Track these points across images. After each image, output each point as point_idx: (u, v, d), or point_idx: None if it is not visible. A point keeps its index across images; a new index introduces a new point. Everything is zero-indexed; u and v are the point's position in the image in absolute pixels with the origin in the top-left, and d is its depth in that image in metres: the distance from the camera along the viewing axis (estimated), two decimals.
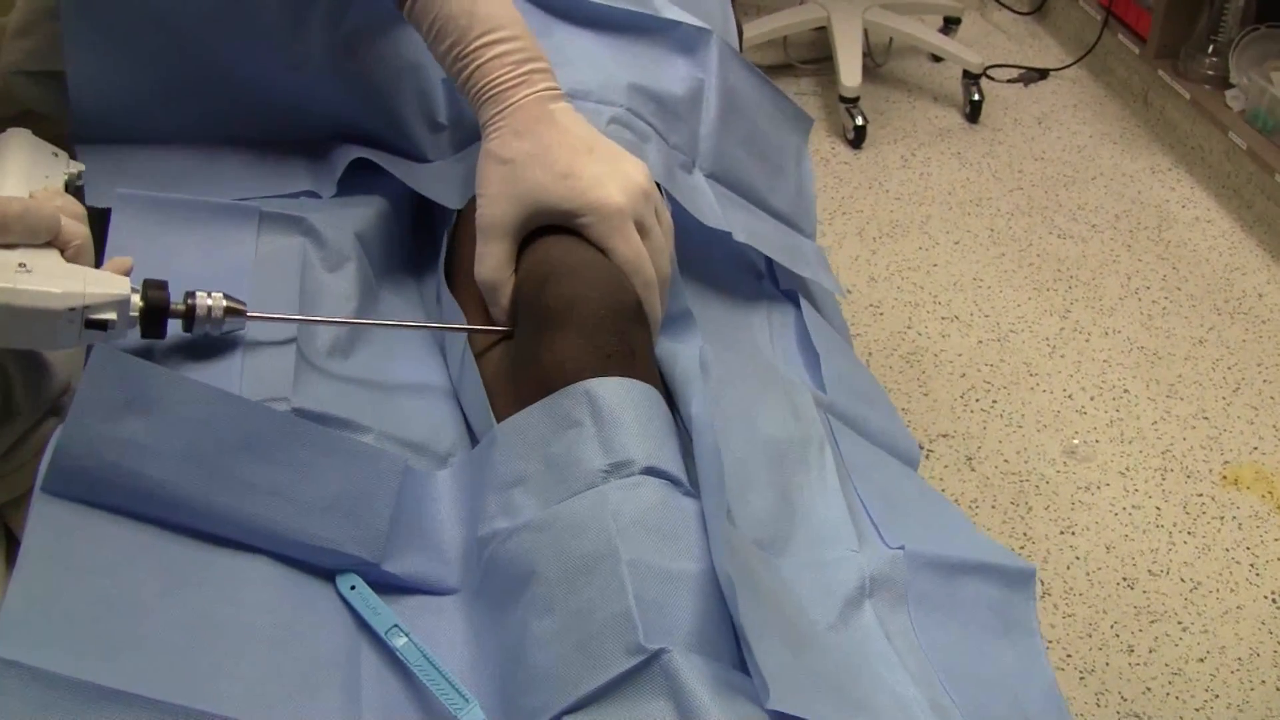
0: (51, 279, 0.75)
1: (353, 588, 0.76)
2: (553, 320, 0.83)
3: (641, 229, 0.89)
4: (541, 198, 0.88)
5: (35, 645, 0.62)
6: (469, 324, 0.92)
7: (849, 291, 2.40)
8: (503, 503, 0.78)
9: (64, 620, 0.65)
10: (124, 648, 0.65)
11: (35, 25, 1.00)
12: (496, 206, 0.89)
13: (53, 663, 0.62)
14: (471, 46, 0.90)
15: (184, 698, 0.64)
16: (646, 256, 0.88)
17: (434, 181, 1.02)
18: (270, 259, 0.91)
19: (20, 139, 0.91)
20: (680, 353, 0.90)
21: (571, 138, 0.89)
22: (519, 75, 0.90)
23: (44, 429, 0.97)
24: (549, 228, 0.90)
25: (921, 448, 2.08)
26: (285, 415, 0.78)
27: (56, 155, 0.93)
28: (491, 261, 0.89)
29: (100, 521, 0.71)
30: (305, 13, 0.98)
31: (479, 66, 0.90)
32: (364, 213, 0.99)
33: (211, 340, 0.84)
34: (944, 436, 2.12)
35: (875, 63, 3.19)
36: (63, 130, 0.98)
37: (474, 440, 0.89)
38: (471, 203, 0.94)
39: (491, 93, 0.90)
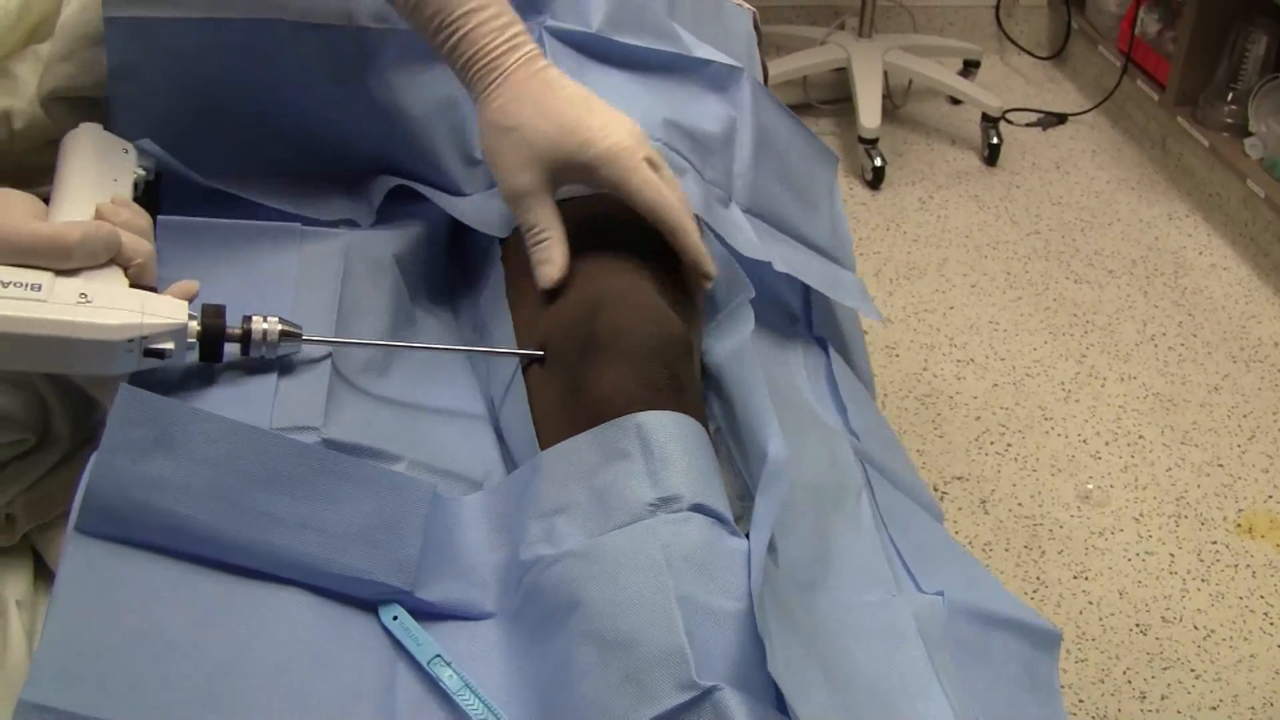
0: (110, 310, 0.76)
1: (395, 618, 0.76)
2: (602, 349, 0.84)
3: (652, 166, 0.91)
4: (556, 154, 0.90)
5: (69, 686, 0.63)
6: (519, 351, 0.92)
7: (867, 333, 2.40)
8: (544, 529, 0.78)
9: (98, 659, 0.65)
10: (157, 685, 0.66)
11: (76, 51, 1.01)
12: (519, 176, 0.91)
13: (86, 705, 0.63)
14: (454, 16, 0.92)
15: None
16: (666, 191, 0.91)
17: (475, 213, 1.03)
18: (313, 266, 0.93)
19: (89, 138, 0.91)
20: (747, 380, 0.91)
21: (568, 94, 0.92)
22: (504, 41, 0.92)
23: (77, 458, 0.97)
24: (592, 255, 0.91)
25: (936, 490, 2.09)
26: (309, 447, 0.78)
27: (127, 152, 0.93)
28: (537, 219, 0.91)
29: (133, 559, 0.71)
30: (340, 50, 0.99)
31: (464, 35, 0.92)
32: (402, 236, 1.01)
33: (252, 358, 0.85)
34: (958, 479, 2.12)
35: (894, 104, 3.21)
36: None
37: (510, 468, 0.90)
38: (517, 234, 0.95)
39: (481, 61, 0.92)
